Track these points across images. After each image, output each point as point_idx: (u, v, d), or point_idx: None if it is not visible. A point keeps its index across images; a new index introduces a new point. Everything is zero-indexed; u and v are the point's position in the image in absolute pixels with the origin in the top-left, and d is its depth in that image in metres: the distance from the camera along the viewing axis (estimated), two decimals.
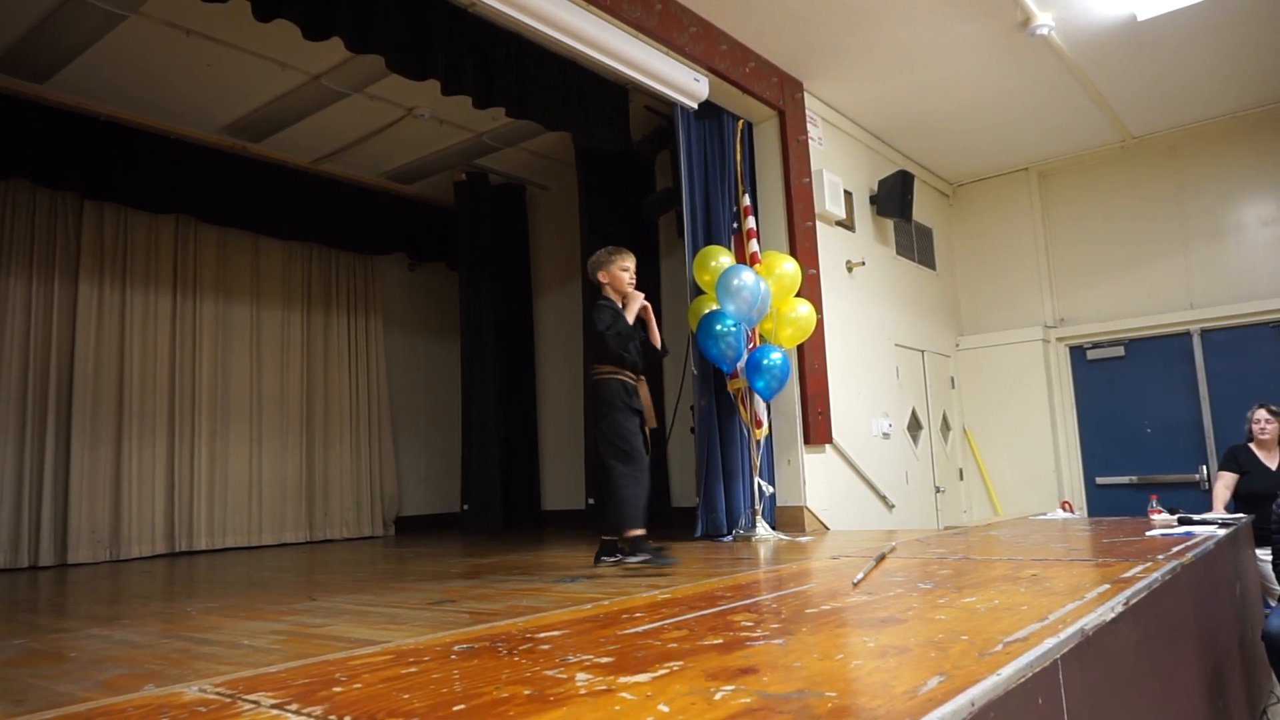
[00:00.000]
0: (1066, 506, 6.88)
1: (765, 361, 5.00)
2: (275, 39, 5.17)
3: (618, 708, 1.26)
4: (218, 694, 1.54)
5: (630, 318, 3.81)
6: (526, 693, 1.39)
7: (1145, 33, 5.73)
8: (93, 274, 6.27)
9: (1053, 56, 6.00)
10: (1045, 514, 6.17)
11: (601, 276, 3.91)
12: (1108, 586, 2.14)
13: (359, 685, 1.53)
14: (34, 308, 5.98)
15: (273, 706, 1.41)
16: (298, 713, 1.35)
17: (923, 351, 7.60)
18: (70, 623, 2.97)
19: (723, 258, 5.18)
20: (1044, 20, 5.46)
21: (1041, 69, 6.18)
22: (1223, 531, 3.48)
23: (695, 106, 5.38)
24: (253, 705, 1.43)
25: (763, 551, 4.26)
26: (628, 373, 3.80)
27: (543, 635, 1.97)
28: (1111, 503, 7.44)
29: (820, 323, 5.74)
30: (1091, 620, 1.69)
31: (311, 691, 1.50)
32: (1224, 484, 5.34)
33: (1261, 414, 5.26)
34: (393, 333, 8.48)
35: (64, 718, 1.46)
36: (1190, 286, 7.32)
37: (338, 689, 1.51)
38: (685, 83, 5.19)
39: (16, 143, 5.73)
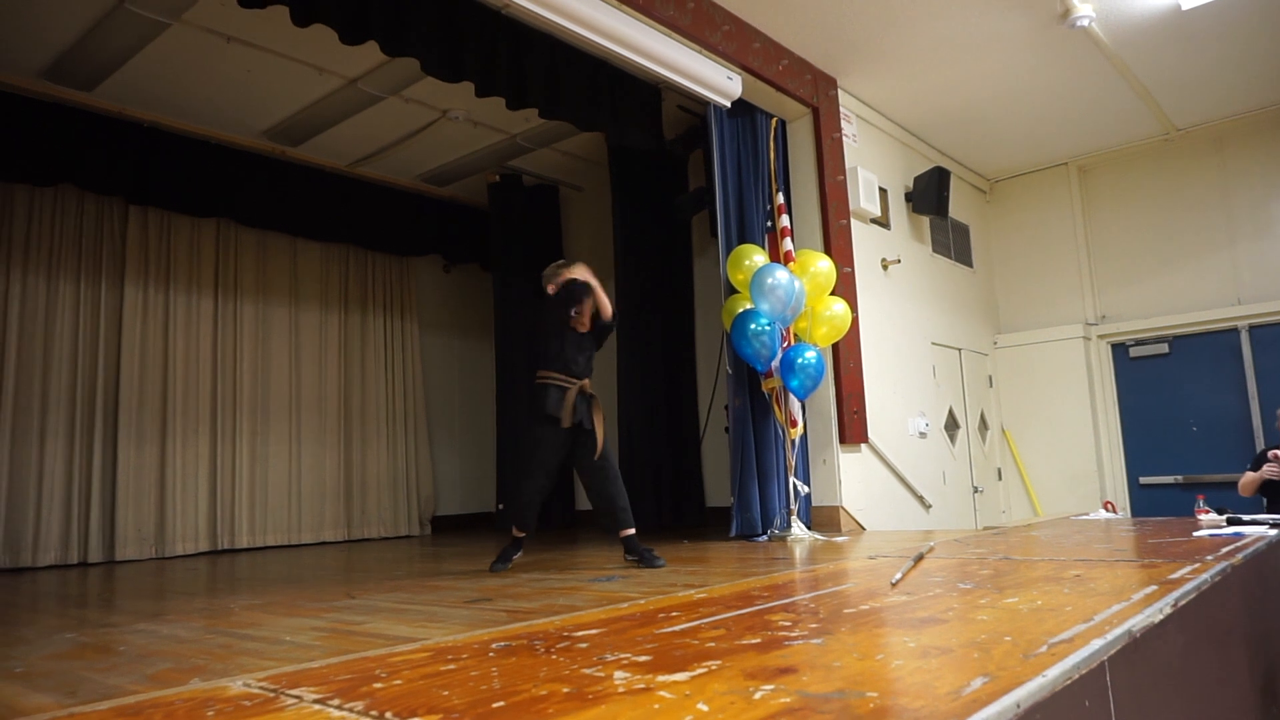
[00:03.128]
0: (1109, 507, 6.76)
1: (800, 360, 4.97)
2: (312, 44, 5.25)
3: (656, 706, 1.26)
4: (261, 689, 1.57)
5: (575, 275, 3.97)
6: (565, 690, 1.39)
7: (1189, 22, 5.60)
8: (138, 277, 6.42)
9: (1093, 48, 5.88)
10: (1087, 514, 6.05)
11: (550, 289, 4.06)
12: (1155, 588, 2.09)
13: (399, 681, 1.54)
14: (82, 311, 6.14)
15: (315, 702, 1.43)
16: (339, 708, 1.37)
17: (960, 350, 7.50)
18: (118, 618, 3.03)
19: (756, 256, 5.16)
20: (1084, 11, 5.35)
21: (1082, 61, 6.07)
22: (1274, 532, 3.39)
23: (728, 105, 5.36)
24: (295, 700, 1.45)
25: (798, 551, 4.23)
26: (559, 376, 3.91)
27: (580, 634, 1.97)
28: (1156, 503, 7.28)
29: (855, 321, 5.69)
30: (1139, 622, 1.65)
31: (353, 687, 1.52)
32: (1246, 478, 5.32)
33: None
34: (428, 334, 8.56)
35: (115, 709, 1.50)
36: (1238, 282, 7.14)
37: (378, 685, 1.52)
38: (718, 81, 5.18)
39: (65, 150, 5.88)
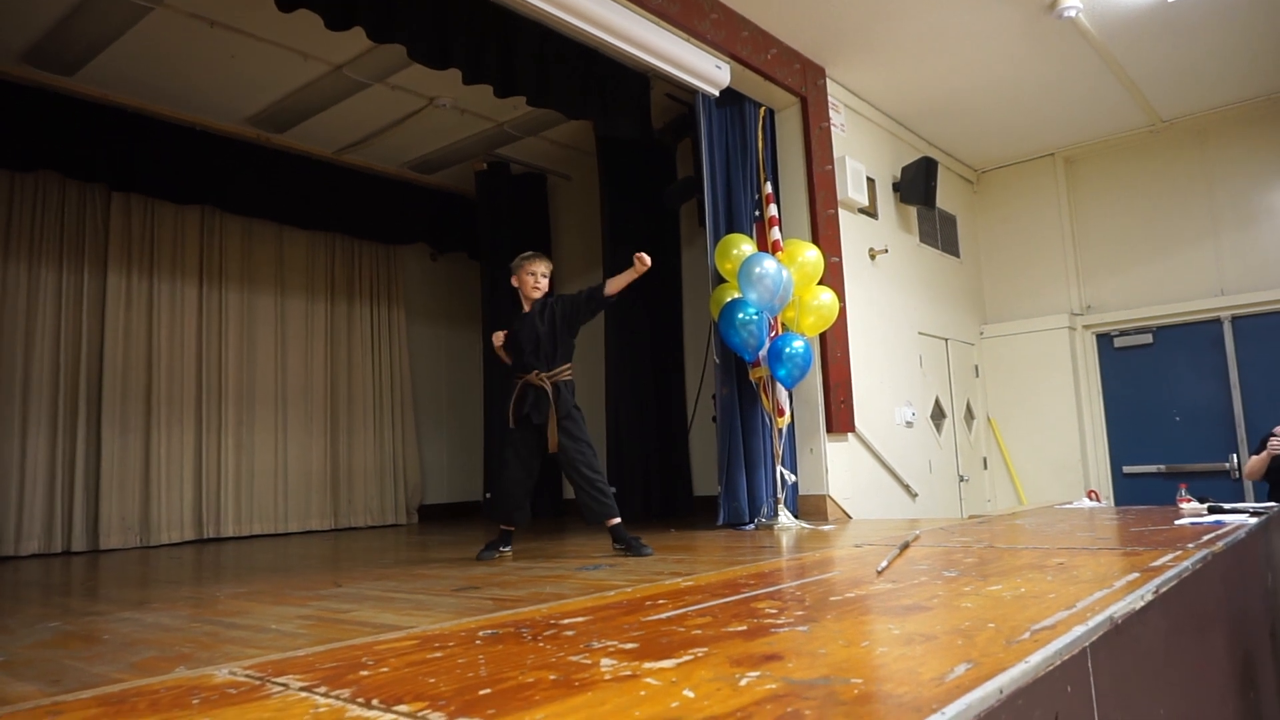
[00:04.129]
0: (1093, 496, 6.81)
1: (787, 350, 4.98)
2: (298, 30, 5.19)
3: (643, 693, 1.26)
4: (247, 676, 1.56)
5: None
6: (552, 677, 1.40)
7: (1176, 14, 5.62)
8: (121, 264, 6.35)
9: (1080, 39, 5.90)
10: (1071, 503, 6.11)
11: (514, 281, 4.06)
12: (1137, 575, 2.11)
13: (385, 669, 1.54)
14: (64, 298, 6.08)
15: (301, 689, 1.43)
16: (326, 695, 1.37)
17: (946, 339, 7.53)
18: (103, 606, 3.02)
19: (744, 246, 5.16)
20: (1072, 2, 5.36)
21: (1069, 52, 6.08)
22: (1254, 520, 3.42)
23: (716, 94, 5.35)
24: (281, 688, 1.45)
25: (785, 540, 4.25)
26: (517, 374, 3.99)
27: (567, 621, 1.97)
28: (1139, 492, 7.35)
29: (843, 311, 5.70)
30: (1120, 608, 1.67)
31: (339, 675, 1.51)
32: (1252, 463, 5.38)
33: None
34: (415, 322, 8.53)
35: (99, 698, 1.49)
36: (1221, 273, 7.20)
37: (365, 672, 1.52)
38: (706, 70, 5.16)
39: (47, 136, 5.81)
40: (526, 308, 4.03)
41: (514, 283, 4.04)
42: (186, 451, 6.59)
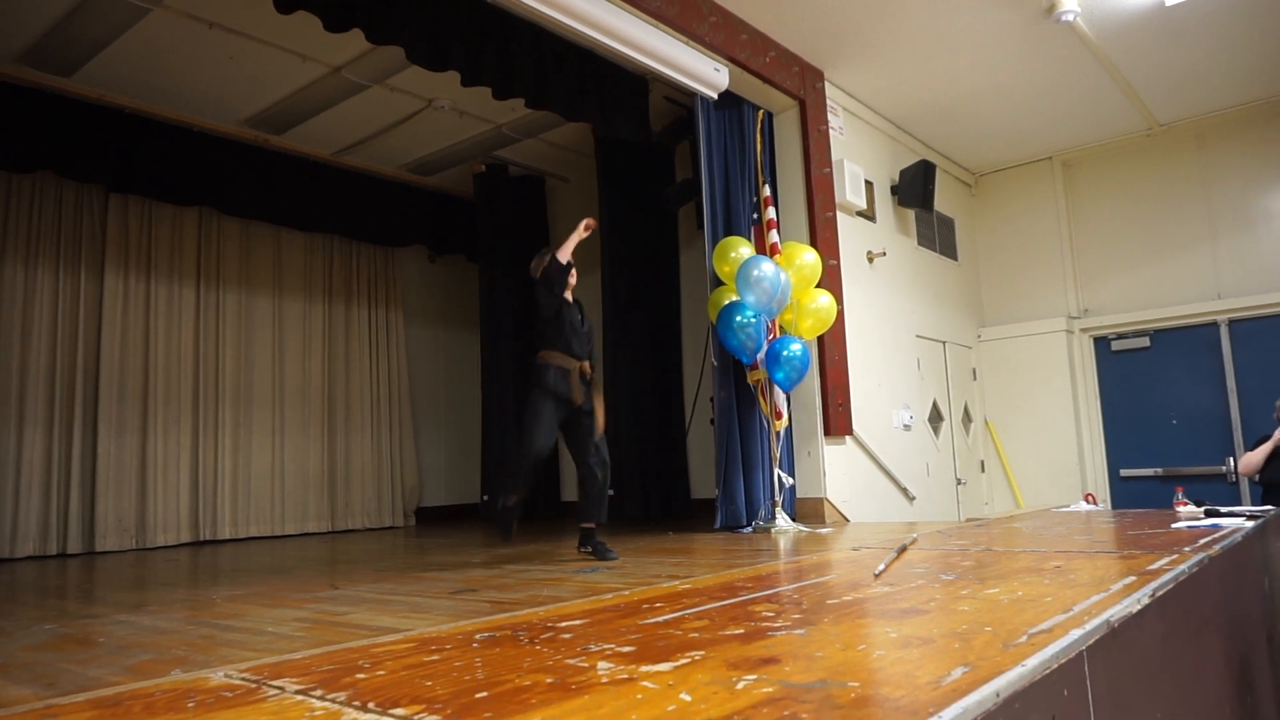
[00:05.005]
0: (1090, 499, 6.82)
1: (785, 353, 4.98)
2: (296, 31, 5.19)
3: (640, 696, 1.26)
4: (243, 679, 1.56)
5: (564, 256, 4.00)
6: (548, 681, 1.39)
7: (1174, 17, 5.63)
8: (118, 266, 6.34)
9: (1078, 43, 5.91)
10: (1068, 506, 6.11)
11: (570, 277, 4.10)
12: (1134, 578, 2.11)
13: (382, 672, 1.54)
14: (61, 299, 6.06)
15: (297, 692, 1.42)
16: (322, 698, 1.37)
17: (944, 343, 7.54)
18: (98, 609, 3.01)
19: (743, 249, 5.16)
20: (1069, 6, 5.37)
21: (1067, 56, 6.09)
22: (1251, 524, 3.43)
23: (715, 97, 5.35)
24: (277, 691, 1.45)
25: (782, 543, 4.25)
26: (562, 356, 3.97)
27: (564, 624, 1.97)
28: (1136, 495, 7.36)
29: (840, 314, 5.70)
30: (1117, 612, 1.67)
31: (335, 678, 1.51)
32: (1248, 459, 5.38)
33: None
34: (413, 325, 8.52)
35: (93, 701, 1.48)
36: (1218, 276, 7.21)
37: (361, 676, 1.52)
38: (705, 73, 5.17)
39: (44, 136, 5.80)
40: (570, 299, 4.12)
41: (570, 278, 4.07)
42: (183, 453, 6.57)
